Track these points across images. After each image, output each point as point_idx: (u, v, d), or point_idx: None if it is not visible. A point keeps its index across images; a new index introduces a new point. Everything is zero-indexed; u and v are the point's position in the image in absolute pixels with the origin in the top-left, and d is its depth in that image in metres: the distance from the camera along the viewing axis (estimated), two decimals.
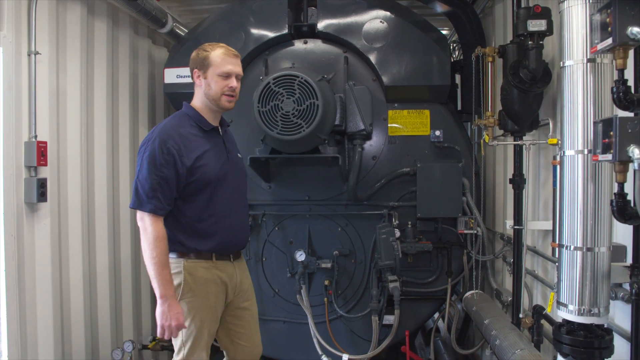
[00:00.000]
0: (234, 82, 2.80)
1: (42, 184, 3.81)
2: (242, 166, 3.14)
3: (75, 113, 4.29)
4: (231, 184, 2.93)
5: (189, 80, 4.33)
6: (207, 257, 2.83)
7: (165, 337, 2.69)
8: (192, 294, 2.77)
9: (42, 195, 3.81)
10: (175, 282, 2.74)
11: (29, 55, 3.80)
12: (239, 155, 3.14)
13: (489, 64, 3.77)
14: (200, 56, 2.80)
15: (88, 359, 4.38)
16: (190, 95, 4.34)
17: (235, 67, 2.82)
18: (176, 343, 2.83)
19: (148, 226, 2.64)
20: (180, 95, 4.48)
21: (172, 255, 2.77)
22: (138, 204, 2.66)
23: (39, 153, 3.78)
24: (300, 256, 4.29)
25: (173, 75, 4.47)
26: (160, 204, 2.65)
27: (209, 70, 2.78)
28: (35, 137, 3.81)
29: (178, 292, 2.75)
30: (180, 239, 2.78)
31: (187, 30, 5.16)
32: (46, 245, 3.95)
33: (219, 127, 2.98)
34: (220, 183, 2.85)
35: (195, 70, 2.82)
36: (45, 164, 3.87)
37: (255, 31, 4.38)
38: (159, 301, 2.64)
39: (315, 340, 4.27)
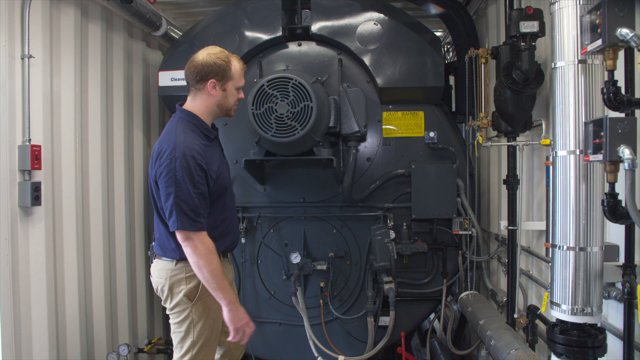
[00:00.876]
0: (242, 94, 2.95)
1: (36, 188, 3.81)
2: (227, 164, 3.21)
3: (70, 116, 4.28)
4: (231, 186, 3.07)
5: (184, 83, 4.38)
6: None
7: (239, 340, 2.77)
8: (207, 294, 2.79)
9: (36, 199, 3.80)
10: (193, 283, 2.81)
11: (22, 58, 3.79)
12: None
13: (482, 65, 3.79)
14: (220, 66, 2.77)
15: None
16: (184, 98, 4.35)
17: (244, 80, 2.96)
18: (184, 343, 2.85)
19: (199, 243, 2.65)
20: (175, 98, 4.45)
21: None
22: (189, 224, 2.63)
23: (33, 157, 3.77)
24: (296, 258, 4.29)
25: (167, 78, 4.47)
26: (205, 219, 2.70)
27: (229, 83, 2.82)
28: (29, 140, 3.80)
29: (195, 293, 2.82)
30: None
31: (181, 33, 5.16)
32: (41, 249, 3.94)
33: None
34: (229, 188, 2.99)
35: (213, 80, 2.78)
36: (40, 168, 3.87)
37: (249, 33, 4.39)
38: (227, 308, 2.70)
39: (311, 342, 4.28)
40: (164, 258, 2.88)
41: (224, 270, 2.84)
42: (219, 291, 2.68)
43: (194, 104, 2.87)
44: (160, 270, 2.89)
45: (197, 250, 2.64)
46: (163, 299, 2.91)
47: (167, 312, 2.93)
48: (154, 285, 2.96)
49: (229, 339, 2.79)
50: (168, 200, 2.64)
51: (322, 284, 4.37)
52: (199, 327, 2.84)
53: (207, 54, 2.80)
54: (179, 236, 2.67)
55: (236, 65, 2.85)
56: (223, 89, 2.82)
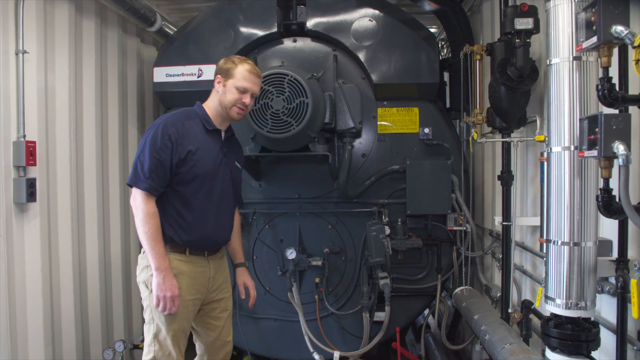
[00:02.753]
0: (247, 99, 2.95)
1: (31, 184, 3.80)
2: (236, 174, 3.21)
3: (64, 112, 4.26)
4: (220, 185, 3.02)
5: (179, 79, 4.40)
6: (181, 250, 2.92)
7: (160, 309, 2.77)
8: None
9: (31, 195, 3.79)
10: (151, 272, 2.83)
11: (16, 54, 3.77)
12: (237, 163, 3.22)
13: (477, 61, 3.81)
14: (227, 65, 2.96)
15: (79, 359, 4.37)
16: (179, 94, 4.36)
17: (254, 86, 2.97)
18: (149, 331, 2.89)
19: (140, 203, 2.77)
20: (169, 94, 4.48)
21: None
22: (135, 181, 2.79)
23: (28, 153, 3.76)
24: (291, 254, 4.30)
25: (162, 74, 4.46)
26: (155, 184, 2.78)
27: (229, 80, 2.92)
28: (24, 136, 3.78)
29: (152, 282, 2.82)
30: (162, 227, 2.85)
31: (176, 29, 5.15)
32: (36, 245, 3.93)
33: (222, 132, 3.08)
34: (208, 180, 2.94)
35: (219, 75, 2.97)
36: (34, 164, 3.86)
37: (244, 29, 4.38)
38: (155, 273, 2.76)
39: (306, 338, 4.29)
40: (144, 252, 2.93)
41: (190, 265, 2.93)
42: (150, 254, 2.76)
43: (208, 100, 3.06)
44: (139, 258, 3.01)
45: (138, 209, 2.78)
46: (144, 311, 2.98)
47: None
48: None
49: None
50: (135, 159, 2.85)
51: (317, 280, 4.39)
52: (156, 315, 2.84)
53: (226, 58, 3.05)
54: (131, 198, 2.83)
55: (244, 67, 2.94)
56: (224, 85, 2.94)
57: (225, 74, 2.94)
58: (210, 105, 3.02)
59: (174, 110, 3.04)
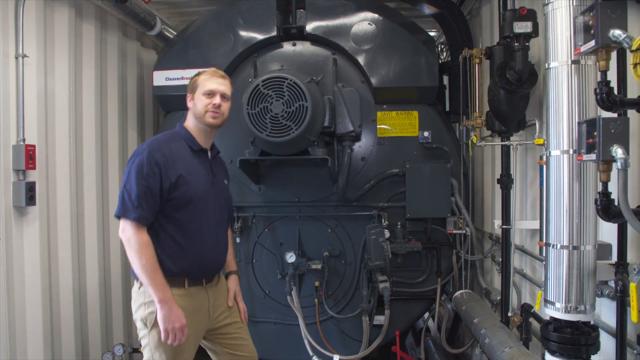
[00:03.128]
0: (217, 100, 2.84)
1: (30, 188, 3.80)
2: (227, 193, 3.13)
3: (64, 116, 4.27)
4: (212, 207, 2.91)
5: (179, 82, 4.40)
6: (179, 283, 2.77)
7: (170, 342, 2.64)
8: None
9: (30, 199, 3.80)
10: (149, 310, 2.70)
11: (16, 58, 3.79)
12: (225, 182, 3.14)
13: (476, 65, 3.81)
14: (191, 81, 2.93)
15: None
16: (179, 98, 4.35)
17: (220, 85, 2.87)
18: None
19: (131, 235, 2.62)
20: (169, 98, 4.48)
21: None
22: (123, 212, 2.63)
23: (27, 156, 3.77)
24: (291, 257, 4.30)
25: (162, 78, 4.46)
26: (145, 213, 2.63)
27: (196, 92, 2.87)
28: (24, 140, 3.79)
29: (151, 319, 2.70)
30: (158, 257, 2.69)
31: (175, 33, 5.16)
32: (35, 249, 3.94)
33: (208, 151, 2.98)
34: (201, 204, 2.82)
35: (188, 94, 2.92)
36: (34, 168, 3.86)
37: (244, 33, 4.39)
38: (158, 306, 2.61)
39: (306, 341, 4.28)
40: (135, 281, 2.80)
41: (189, 298, 2.77)
42: (150, 287, 2.61)
43: (187, 120, 2.97)
44: (133, 294, 2.84)
45: (130, 241, 2.62)
46: (139, 338, 2.82)
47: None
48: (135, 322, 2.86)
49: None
50: (121, 188, 2.70)
51: (317, 283, 4.38)
52: (157, 355, 2.72)
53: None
54: (119, 230, 2.67)
55: (206, 75, 2.90)
56: (192, 99, 2.90)
57: (192, 89, 2.90)
58: (190, 125, 2.92)
59: (158, 135, 2.93)
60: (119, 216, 2.66)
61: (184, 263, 2.77)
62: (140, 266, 2.61)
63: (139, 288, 2.77)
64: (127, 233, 2.63)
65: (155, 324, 2.68)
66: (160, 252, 2.70)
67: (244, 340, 3.14)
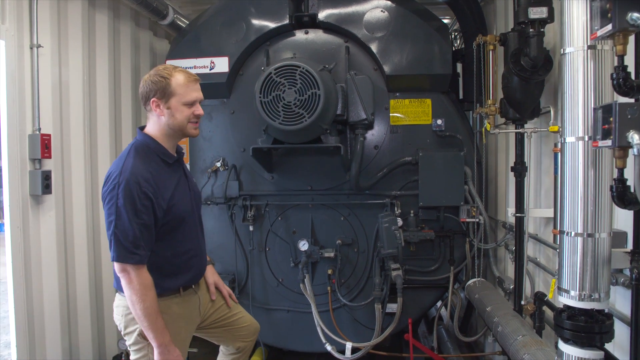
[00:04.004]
0: (200, 110, 2.67)
1: (46, 177, 3.85)
2: (197, 191, 2.99)
3: (78, 105, 4.31)
4: (194, 215, 2.84)
5: (192, 71, 4.39)
6: (175, 291, 2.71)
7: None
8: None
9: (46, 188, 3.85)
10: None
11: (31, 48, 3.83)
12: (194, 180, 3.03)
13: (490, 52, 3.77)
14: (158, 84, 2.58)
15: (95, 348, 4.44)
16: None
17: (199, 92, 2.67)
18: None
19: (134, 277, 2.46)
20: None
21: None
22: (123, 257, 2.45)
23: (43, 146, 3.82)
24: (304, 246, 4.32)
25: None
26: (144, 252, 2.49)
27: (172, 100, 2.58)
28: (39, 129, 3.84)
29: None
30: (156, 280, 2.58)
31: (188, 22, 5.16)
32: (52, 236, 4.00)
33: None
34: (188, 217, 2.74)
35: (154, 99, 2.58)
36: (50, 157, 3.91)
37: (256, 22, 4.38)
38: (157, 350, 2.52)
39: (319, 329, 4.30)
40: (121, 293, 2.65)
41: (185, 303, 2.75)
42: (150, 331, 2.49)
43: (150, 126, 2.69)
44: (117, 307, 2.73)
45: (132, 284, 2.46)
46: (122, 335, 2.75)
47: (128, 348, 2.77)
48: (115, 322, 2.79)
49: None
50: (109, 229, 2.48)
51: (329, 271, 4.40)
52: None
53: (148, 74, 2.66)
54: (116, 267, 2.50)
55: (180, 79, 2.59)
56: (167, 107, 2.59)
57: (162, 94, 2.57)
58: (158, 134, 2.66)
59: (128, 151, 2.61)
60: (116, 261, 2.47)
61: (181, 280, 2.72)
62: (142, 309, 2.46)
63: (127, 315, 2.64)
64: (130, 275, 2.47)
65: None
66: (157, 275, 2.59)
67: (237, 314, 3.16)
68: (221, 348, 3.29)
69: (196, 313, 2.89)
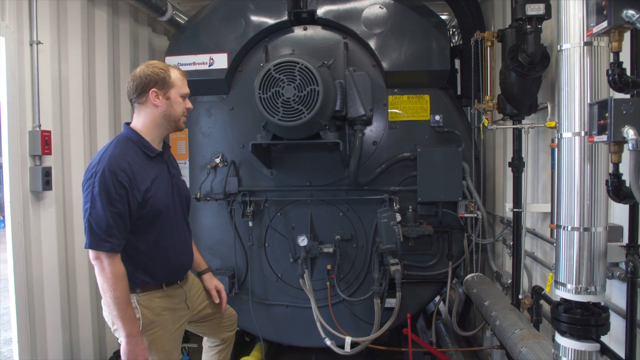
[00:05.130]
0: (190, 104, 2.78)
1: (47, 173, 3.87)
2: (185, 188, 3.02)
3: (78, 102, 4.32)
4: (178, 210, 2.85)
5: (190, 68, 4.43)
6: (157, 287, 2.73)
7: None
8: (152, 326, 2.69)
9: (47, 184, 3.87)
10: (137, 316, 2.66)
11: (31, 44, 3.83)
12: (181, 177, 3.03)
13: (488, 48, 3.79)
14: (159, 74, 2.66)
15: (95, 344, 4.46)
16: (190, 83, 4.36)
17: (188, 89, 2.79)
18: None
19: (106, 266, 2.49)
20: None
21: None
22: (95, 244, 2.48)
23: (43, 142, 3.83)
24: (303, 241, 4.34)
25: (174, 63, 4.45)
26: (118, 240, 2.51)
27: (171, 91, 2.68)
28: (39, 126, 3.85)
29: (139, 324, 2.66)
30: (131, 273, 2.62)
31: (187, 18, 5.17)
32: (52, 232, 4.01)
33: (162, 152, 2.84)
34: (168, 211, 2.74)
35: (154, 89, 2.65)
36: (50, 153, 3.93)
37: (255, 18, 4.39)
38: (124, 340, 2.54)
39: (318, 324, 4.33)
40: None
41: (169, 298, 2.77)
42: (119, 320, 2.51)
43: (139, 120, 2.73)
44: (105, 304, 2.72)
45: (104, 272, 2.49)
46: (112, 331, 2.75)
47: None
48: (105, 319, 2.79)
49: None
50: (84, 216, 2.52)
51: (329, 267, 4.42)
52: (150, 358, 2.66)
53: (144, 66, 2.71)
54: (90, 255, 2.53)
55: (176, 73, 2.72)
56: (167, 98, 2.68)
57: (162, 84, 2.65)
58: (149, 126, 2.70)
59: (110, 142, 2.68)
60: (89, 248, 2.51)
61: (162, 273, 2.74)
62: (113, 298, 2.48)
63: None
64: (102, 263, 2.50)
65: (143, 329, 2.64)
66: (133, 269, 2.63)
67: (220, 310, 3.22)
68: (205, 343, 3.34)
69: (183, 306, 2.90)
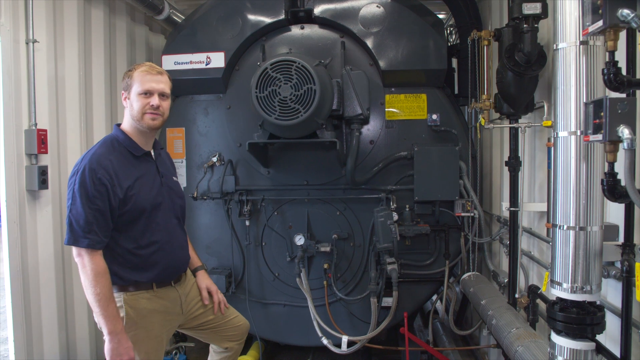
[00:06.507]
0: (155, 100, 2.68)
1: (43, 172, 3.86)
2: (178, 189, 3.00)
3: (74, 101, 4.31)
4: (168, 210, 2.83)
5: (187, 66, 4.43)
6: (147, 287, 2.72)
7: None
8: (135, 327, 2.66)
9: (43, 183, 3.86)
10: (121, 314, 2.64)
11: (27, 43, 3.82)
12: (174, 178, 3.01)
13: (485, 47, 3.79)
14: (125, 78, 2.73)
15: (92, 343, 4.45)
16: (187, 82, 4.36)
17: (158, 84, 2.71)
18: None
19: (87, 262, 2.50)
20: (178, 82, 4.46)
21: None
22: (74, 240, 2.51)
23: (39, 141, 3.82)
24: (300, 240, 4.34)
25: (171, 62, 4.48)
26: (97, 237, 2.52)
27: (131, 90, 2.69)
28: (35, 125, 3.84)
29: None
30: (118, 272, 2.64)
31: (183, 17, 5.16)
32: (48, 231, 4.00)
33: (152, 151, 2.85)
34: (155, 210, 2.73)
35: (123, 92, 2.73)
36: (46, 152, 3.92)
37: (252, 17, 4.39)
38: (107, 337, 2.52)
39: (315, 323, 4.33)
40: None
41: (158, 300, 2.75)
42: (101, 317, 2.50)
43: (125, 121, 2.79)
44: None
45: (85, 269, 2.50)
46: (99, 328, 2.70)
47: None
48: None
49: None
50: (67, 213, 2.56)
51: (325, 266, 4.43)
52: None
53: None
54: (73, 252, 2.56)
55: (138, 71, 2.70)
56: (128, 98, 2.71)
57: (126, 86, 2.70)
58: (128, 127, 2.75)
59: (95, 147, 2.70)
60: (68, 244, 2.53)
61: (149, 273, 2.72)
62: (94, 295, 2.48)
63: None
64: (83, 259, 2.51)
65: (125, 329, 2.61)
66: (119, 269, 2.64)
67: (227, 317, 3.18)
68: (211, 346, 3.31)
69: (176, 310, 2.88)
